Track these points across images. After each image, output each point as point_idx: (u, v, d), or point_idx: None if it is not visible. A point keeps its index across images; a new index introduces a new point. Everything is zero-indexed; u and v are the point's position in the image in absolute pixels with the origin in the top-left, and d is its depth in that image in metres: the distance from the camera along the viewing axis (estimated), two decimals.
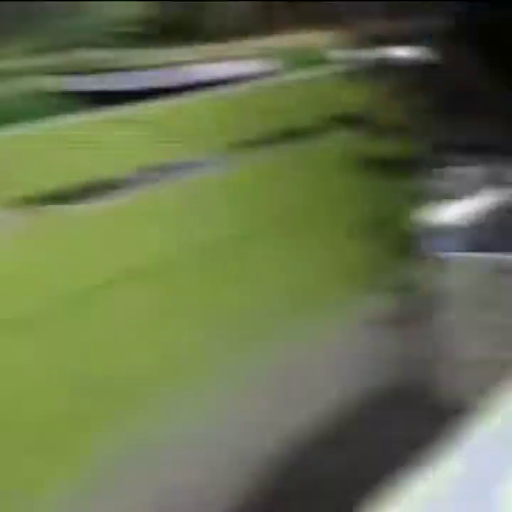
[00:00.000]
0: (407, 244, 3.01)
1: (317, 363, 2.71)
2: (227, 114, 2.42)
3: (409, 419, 2.67)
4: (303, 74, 3.02)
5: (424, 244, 3.06)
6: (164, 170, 2.20)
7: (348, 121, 2.96)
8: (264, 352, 2.45)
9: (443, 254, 4.29)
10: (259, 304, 2.50)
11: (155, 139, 2.19)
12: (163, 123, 2.22)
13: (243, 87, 2.62)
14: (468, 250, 9.43)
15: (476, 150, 3.35)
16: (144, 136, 2.16)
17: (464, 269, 2.91)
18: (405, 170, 2.99)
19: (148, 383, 2.12)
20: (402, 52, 3.32)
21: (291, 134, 3.32)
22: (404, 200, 3.01)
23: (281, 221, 2.56)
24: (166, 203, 2.25)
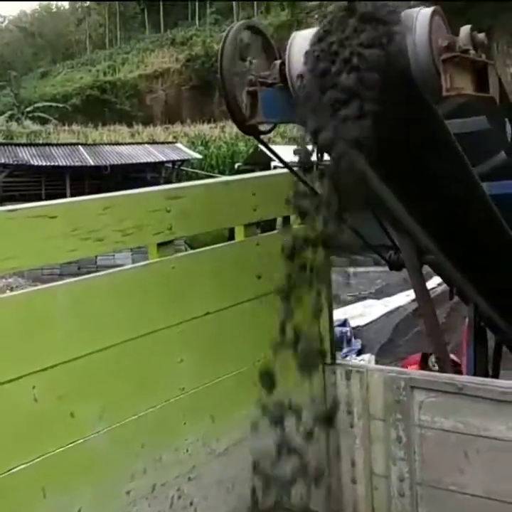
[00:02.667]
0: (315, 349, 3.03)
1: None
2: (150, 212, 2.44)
3: None
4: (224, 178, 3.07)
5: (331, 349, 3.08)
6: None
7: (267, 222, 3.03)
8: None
9: (351, 363, 4.35)
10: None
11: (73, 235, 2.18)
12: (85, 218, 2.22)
13: (167, 188, 2.64)
14: (374, 352, 9.61)
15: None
16: (63, 232, 2.15)
17: (370, 380, 2.94)
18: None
19: None
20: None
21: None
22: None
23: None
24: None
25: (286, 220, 3.15)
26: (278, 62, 2.34)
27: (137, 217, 2.39)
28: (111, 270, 2.41)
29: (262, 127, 2.52)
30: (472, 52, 2.03)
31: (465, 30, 2.04)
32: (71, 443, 2.16)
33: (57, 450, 2.12)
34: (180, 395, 2.51)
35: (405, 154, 2.47)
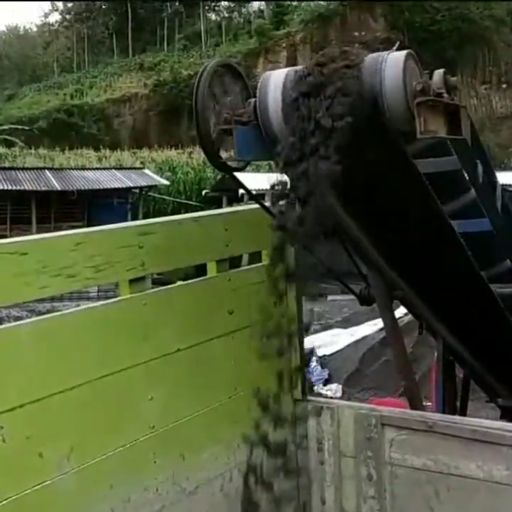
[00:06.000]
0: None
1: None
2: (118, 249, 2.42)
3: None
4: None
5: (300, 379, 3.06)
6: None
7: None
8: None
9: (322, 399, 4.34)
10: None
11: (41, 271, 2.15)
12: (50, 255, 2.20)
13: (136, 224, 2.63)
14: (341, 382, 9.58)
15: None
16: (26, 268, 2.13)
17: (341, 416, 2.93)
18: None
19: None
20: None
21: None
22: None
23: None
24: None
25: (255, 255, 3.14)
26: (253, 100, 2.35)
27: (109, 253, 2.36)
28: (80, 307, 2.38)
29: (236, 164, 2.53)
30: (445, 95, 2.07)
31: (438, 74, 2.07)
32: (39, 484, 2.12)
33: (25, 491, 2.08)
34: (149, 433, 2.47)
35: (373, 191, 2.49)
